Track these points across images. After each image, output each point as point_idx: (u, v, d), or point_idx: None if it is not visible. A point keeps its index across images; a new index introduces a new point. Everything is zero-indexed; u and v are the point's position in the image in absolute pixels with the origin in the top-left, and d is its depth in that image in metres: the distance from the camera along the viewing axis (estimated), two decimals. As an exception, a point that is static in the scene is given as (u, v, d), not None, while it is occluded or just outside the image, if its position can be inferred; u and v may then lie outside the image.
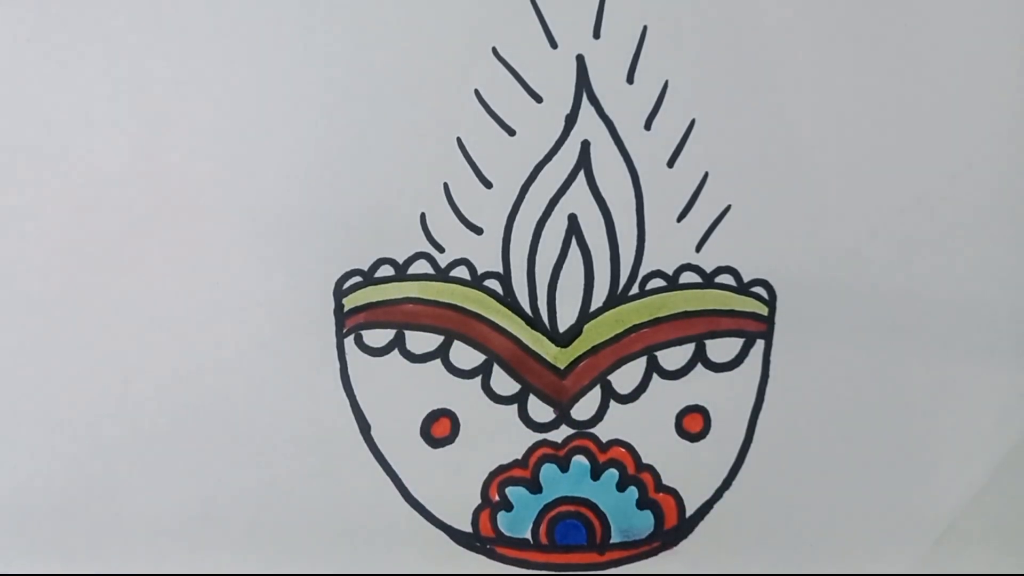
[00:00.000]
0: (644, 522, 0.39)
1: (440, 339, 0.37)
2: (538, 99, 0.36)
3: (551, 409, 0.38)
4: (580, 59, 0.36)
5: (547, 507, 0.38)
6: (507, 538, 0.39)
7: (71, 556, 0.38)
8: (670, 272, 0.37)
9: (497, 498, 0.38)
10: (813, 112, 0.37)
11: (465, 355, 0.38)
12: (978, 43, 0.36)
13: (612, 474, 0.38)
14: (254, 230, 0.37)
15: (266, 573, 0.38)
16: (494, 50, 0.36)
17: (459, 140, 0.36)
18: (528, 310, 0.38)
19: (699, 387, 0.38)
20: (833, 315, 0.38)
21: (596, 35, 0.36)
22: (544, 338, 0.38)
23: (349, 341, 0.37)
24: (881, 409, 0.38)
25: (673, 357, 0.38)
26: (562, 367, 0.38)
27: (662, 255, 0.37)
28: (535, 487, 0.38)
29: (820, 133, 0.37)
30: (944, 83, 0.37)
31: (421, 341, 0.37)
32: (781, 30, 0.36)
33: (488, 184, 0.37)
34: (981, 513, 0.39)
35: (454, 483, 0.38)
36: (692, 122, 0.37)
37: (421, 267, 0.37)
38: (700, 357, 0.38)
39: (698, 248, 0.37)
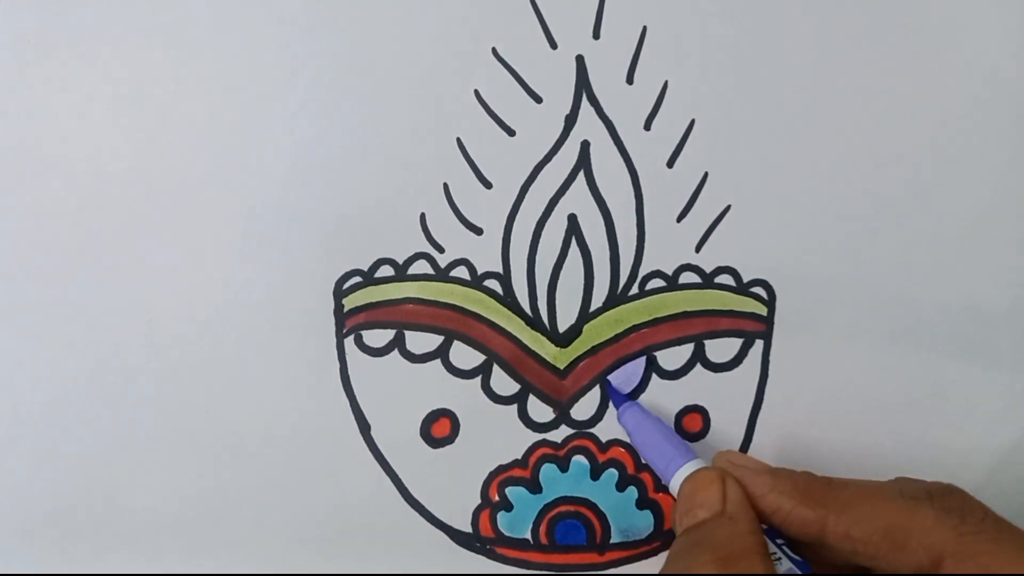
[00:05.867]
0: (644, 522, 0.39)
1: (440, 339, 0.37)
2: (538, 99, 0.36)
3: (551, 409, 0.38)
4: (580, 59, 0.36)
5: (547, 507, 0.38)
6: (507, 538, 0.39)
7: (71, 556, 0.38)
8: (670, 272, 0.37)
9: (497, 498, 0.38)
10: (813, 112, 0.37)
11: (465, 355, 0.38)
12: (978, 43, 0.36)
13: (612, 474, 0.38)
14: (254, 230, 0.37)
15: (266, 573, 0.39)
16: (494, 50, 0.36)
17: (459, 140, 0.36)
18: (528, 310, 0.38)
19: (698, 387, 0.38)
20: (833, 315, 0.38)
21: (596, 35, 0.36)
22: (544, 338, 0.38)
23: (349, 341, 0.37)
24: (881, 409, 0.38)
25: (672, 357, 0.38)
26: (562, 367, 0.38)
27: (662, 255, 0.37)
28: (535, 487, 0.38)
29: (820, 133, 0.37)
30: (944, 83, 0.37)
31: (421, 341, 0.37)
32: (781, 30, 0.36)
33: (488, 184, 0.37)
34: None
35: (454, 483, 0.38)
36: (692, 122, 0.37)
37: (421, 267, 0.37)
38: (699, 357, 0.38)
39: (698, 248, 0.37)
